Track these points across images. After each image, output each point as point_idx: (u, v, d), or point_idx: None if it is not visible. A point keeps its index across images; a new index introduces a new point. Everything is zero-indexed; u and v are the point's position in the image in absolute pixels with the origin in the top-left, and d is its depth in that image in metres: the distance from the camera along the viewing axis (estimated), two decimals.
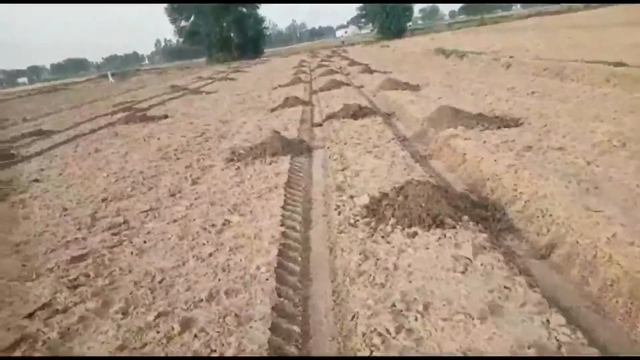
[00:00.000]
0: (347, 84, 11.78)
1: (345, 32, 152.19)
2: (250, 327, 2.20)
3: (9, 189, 5.96)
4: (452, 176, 4.21)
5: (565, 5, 55.87)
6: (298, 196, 4.17)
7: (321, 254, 3.09)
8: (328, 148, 5.64)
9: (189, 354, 2.10)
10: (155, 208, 4.34)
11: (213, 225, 3.63)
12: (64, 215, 4.45)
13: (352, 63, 19.13)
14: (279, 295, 2.48)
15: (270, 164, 5.17)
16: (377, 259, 2.62)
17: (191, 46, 66.54)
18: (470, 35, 28.84)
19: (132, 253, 3.38)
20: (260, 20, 62.71)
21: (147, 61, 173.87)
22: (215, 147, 6.75)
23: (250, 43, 60.24)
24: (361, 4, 63.08)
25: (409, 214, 2.99)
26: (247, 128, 7.88)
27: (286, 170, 4.76)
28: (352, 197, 3.64)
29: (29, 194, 5.62)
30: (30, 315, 2.70)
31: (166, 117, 11.12)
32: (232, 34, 59.25)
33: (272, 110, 9.32)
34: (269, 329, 2.17)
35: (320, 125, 7.48)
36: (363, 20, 66.20)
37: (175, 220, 3.90)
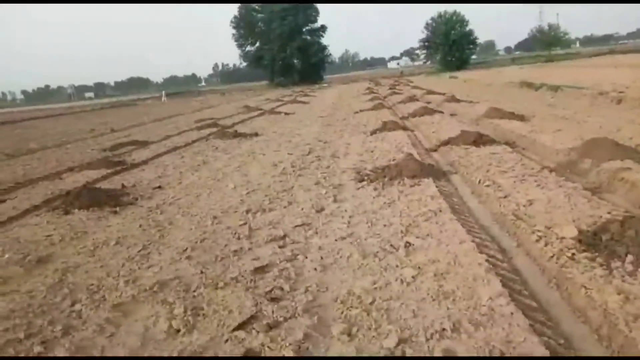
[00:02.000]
0: (440, 111, 11.52)
1: (398, 64, 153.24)
2: None
3: (137, 194, 6.06)
4: None
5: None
6: (469, 221, 3.89)
7: (544, 287, 2.79)
8: (466, 174, 5.36)
9: None
10: (308, 223, 4.19)
11: (393, 247, 3.40)
12: (217, 224, 4.39)
13: (429, 92, 18.87)
14: (536, 333, 2.19)
15: (412, 186, 4.94)
16: None
17: (255, 70, 68.95)
18: (545, 70, 28.02)
19: (315, 269, 3.21)
20: (323, 47, 64.27)
21: (203, 83, 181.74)
22: (333, 165, 6.63)
23: (312, 69, 61.72)
24: (425, 36, 63.17)
25: None
26: (355, 149, 7.75)
27: (438, 194, 4.51)
28: (549, 227, 3.32)
29: (160, 200, 5.66)
30: (240, 327, 2.55)
31: (257, 134, 11.27)
32: (295, 60, 61.08)
33: (372, 133, 9.16)
34: None
35: (435, 150, 7.23)
36: (425, 51, 66.04)
37: (343, 238, 3.71)
